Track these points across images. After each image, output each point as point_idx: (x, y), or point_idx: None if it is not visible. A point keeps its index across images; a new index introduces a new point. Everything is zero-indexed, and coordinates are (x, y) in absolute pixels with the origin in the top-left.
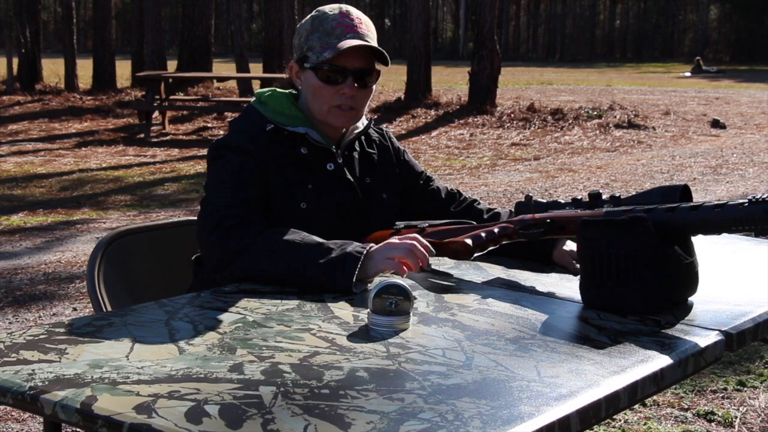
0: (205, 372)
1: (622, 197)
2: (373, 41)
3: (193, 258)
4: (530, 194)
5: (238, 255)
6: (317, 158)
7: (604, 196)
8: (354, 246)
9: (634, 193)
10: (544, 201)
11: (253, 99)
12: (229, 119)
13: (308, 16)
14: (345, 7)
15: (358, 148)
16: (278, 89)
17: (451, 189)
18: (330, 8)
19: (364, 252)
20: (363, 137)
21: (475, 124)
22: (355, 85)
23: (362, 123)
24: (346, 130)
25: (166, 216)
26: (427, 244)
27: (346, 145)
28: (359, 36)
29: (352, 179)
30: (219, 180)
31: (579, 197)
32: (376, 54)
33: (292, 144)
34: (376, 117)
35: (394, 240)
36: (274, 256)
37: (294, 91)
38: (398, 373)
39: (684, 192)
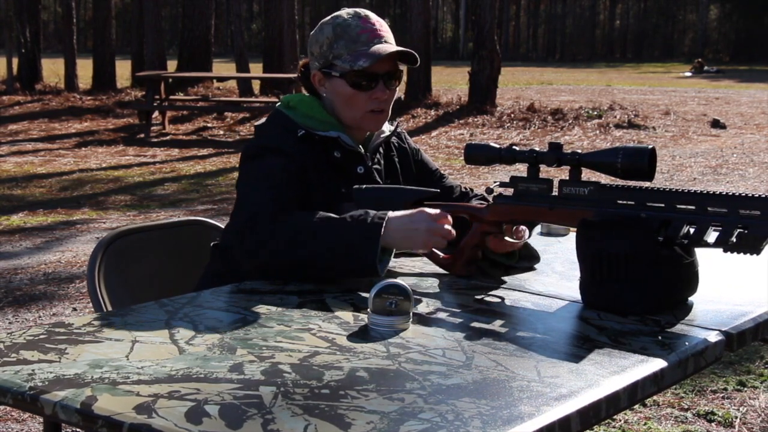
0: (205, 372)
1: (582, 153)
2: (394, 42)
3: (212, 244)
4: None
5: (262, 245)
6: (348, 162)
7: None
8: (371, 222)
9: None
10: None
11: (278, 104)
12: (228, 119)
13: (325, 24)
14: (361, 11)
15: (382, 151)
16: (305, 94)
17: (464, 188)
18: (347, 13)
19: (383, 229)
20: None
21: (475, 124)
22: (386, 88)
23: (387, 127)
24: (372, 134)
25: (166, 216)
26: (449, 228)
27: (373, 148)
28: (384, 40)
29: (380, 182)
30: (256, 178)
31: (537, 149)
32: (400, 56)
33: (324, 148)
34: (400, 120)
35: (418, 217)
36: (295, 243)
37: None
38: (398, 373)
39: (651, 156)
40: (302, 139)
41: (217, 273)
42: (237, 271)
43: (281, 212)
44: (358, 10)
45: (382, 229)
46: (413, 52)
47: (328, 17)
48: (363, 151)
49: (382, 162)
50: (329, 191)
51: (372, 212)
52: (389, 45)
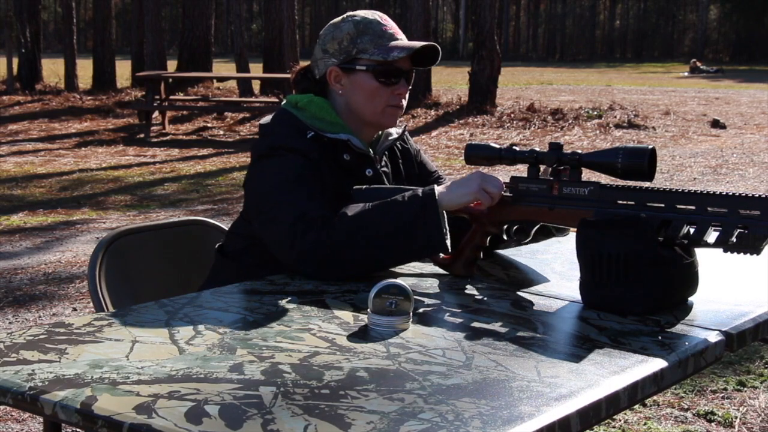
0: (205, 372)
1: (582, 153)
2: None
3: (216, 246)
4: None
5: (319, 245)
6: (358, 164)
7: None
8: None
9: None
10: (497, 147)
11: (284, 102)
12: (228, 120)
13: (342, 22)
14: (377, 12)
15: (387, 153)
16: (314, 95)
17: None
18: (365, 13)
19: (438, 207)
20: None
21: (475, 124)
22: (406, 86)
23: (395, 130)
24: (380, 136)
25: (166, 216)
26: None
27: (381, 151)
28: (402, 39)
29: (388, 184)
30: (284, 179)
31: (538, 149)
32: (424, 54)
33: (334, 151)
34: (406, 124)
35: (464, 178)
36: (355, 234)
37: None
38: (398, 373)
39: (651, 156)
40: (312, 141)
41: (222, 276)
42: (241, 275)
43: (325, 207)
44: (372, 11)
45: (436, 193)
46: (438, 47)
47: (341, 17)
48: (372, 153)
49: (389, 164)
50: (338, 194)
51: (418, 188)
52: (415, 41)
